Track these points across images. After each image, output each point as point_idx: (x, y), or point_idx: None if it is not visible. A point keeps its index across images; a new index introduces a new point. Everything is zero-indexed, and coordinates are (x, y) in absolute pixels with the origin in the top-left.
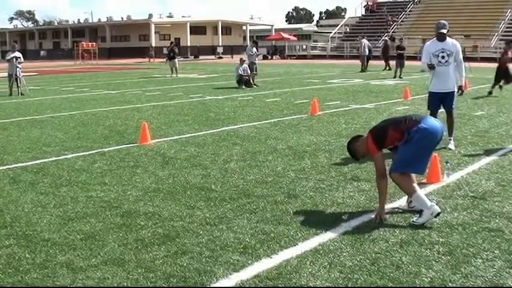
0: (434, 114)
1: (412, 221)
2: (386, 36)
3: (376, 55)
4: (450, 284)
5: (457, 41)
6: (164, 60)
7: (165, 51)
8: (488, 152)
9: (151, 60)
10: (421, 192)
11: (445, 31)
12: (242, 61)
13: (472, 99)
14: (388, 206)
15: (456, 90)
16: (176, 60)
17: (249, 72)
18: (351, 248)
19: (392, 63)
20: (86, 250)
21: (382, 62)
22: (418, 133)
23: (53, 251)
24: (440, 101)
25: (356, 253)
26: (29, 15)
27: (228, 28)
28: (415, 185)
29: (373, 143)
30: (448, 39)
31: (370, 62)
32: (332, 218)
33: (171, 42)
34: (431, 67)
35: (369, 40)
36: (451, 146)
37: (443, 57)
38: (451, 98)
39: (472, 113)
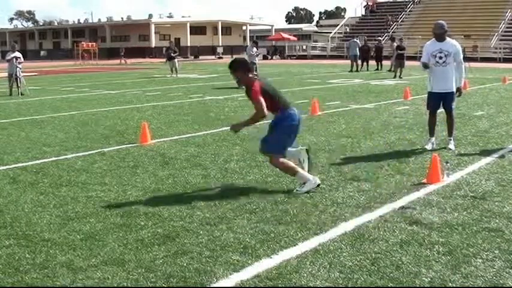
0: (433, 114)
1: (296, 190)
2: (379, 37)
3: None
4: (450, 284)
5: (457, 41)
6: (164, 60)
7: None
8: (488, 152)
9: (123, 61)
10: (300, 169)
11: (442, 31)
12: None
13: (472, 99)
14: (390, 207)
15: (455, 90)
16: (176, 60)
17: None
18: (351, 248)
19: (389, 63)
20: (86, 250)
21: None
22: (289, 119)
23: (53, 251)
24: (439, 101)
25: (356, 253)
26: (29, 16)
27: (228, 28)
28: (292, 164)
29: (260, 91)
30: (447, 39)
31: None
32: (332, 218)
33: (170, 42)
34: (425, 66)
35: (368, 40)
36: (451, 146)
37: (440, 57)
38: (450, 99)
39: (472, 113)
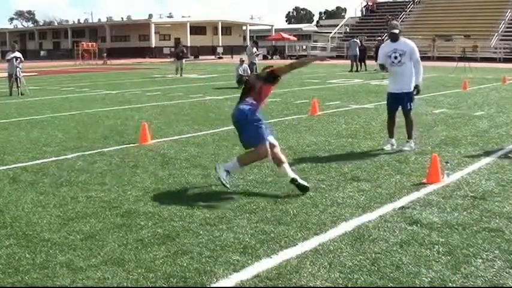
0: (392, 115)
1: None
2: (379, 37)
3: (371, 55)
4: (450, 284)
5: (457, 41)
6: (172, 60)
7: (165, 50)
8: (488, 152)
9: (106, 61)
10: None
11: (396, 31)
12: (242, 61)
13: (472, 99)
14: (390, 207)
15: (413, 90)
16: (183, 60)
17: (249, 72)
18: (351, 248)
19: None
20: (86, 250)
21: None
22: None
23: (53, 251)
24: (396, 101)
25: (356, 253)
26: (29, 16)
27: (228, 28)
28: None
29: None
30: (401, 39)
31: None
32: (332, 218)
33: (179, 42)
34: (382, 67)
35: (368, 40)
36: (406, 147)
37: (395, 57)
38: (407, 99)
39: (472, 113)
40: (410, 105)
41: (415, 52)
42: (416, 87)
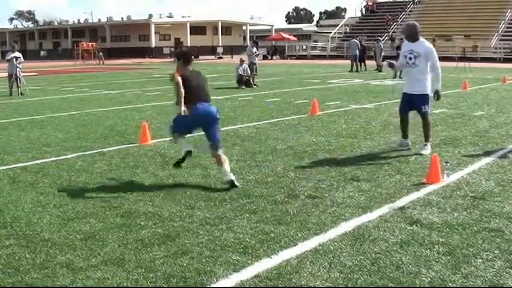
0: (403, 116)
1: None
2: (379, 36)
3: (371, 55)
4: (450, 284)
5: (458, 41)
6: (172, 60)
7: (165, 50)
8: (488, 152)
9: (101, 61)
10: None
11: (408, 33)
12: (242, 61)
13: (472, 99)
14: (390, 207)
15: (431, 93)
16: None
17: (249, 72)
18: (351, 248)
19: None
20: (86, 250)
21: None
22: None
23: (53, 251)
24: (408, 102)
25: (356, 253)
26: (29, 16)
27: (228, 28)
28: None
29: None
30: (420, 40)
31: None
32: (332, 218)
33: (181, 42)
34: (390, 65)
35: (368, 40)
36: (424, 151)
37: (410, 58)
38: (420, 101)
39: (472, 113)
40: (426, 108)
41: (432, 54)
42: (436, 92)
